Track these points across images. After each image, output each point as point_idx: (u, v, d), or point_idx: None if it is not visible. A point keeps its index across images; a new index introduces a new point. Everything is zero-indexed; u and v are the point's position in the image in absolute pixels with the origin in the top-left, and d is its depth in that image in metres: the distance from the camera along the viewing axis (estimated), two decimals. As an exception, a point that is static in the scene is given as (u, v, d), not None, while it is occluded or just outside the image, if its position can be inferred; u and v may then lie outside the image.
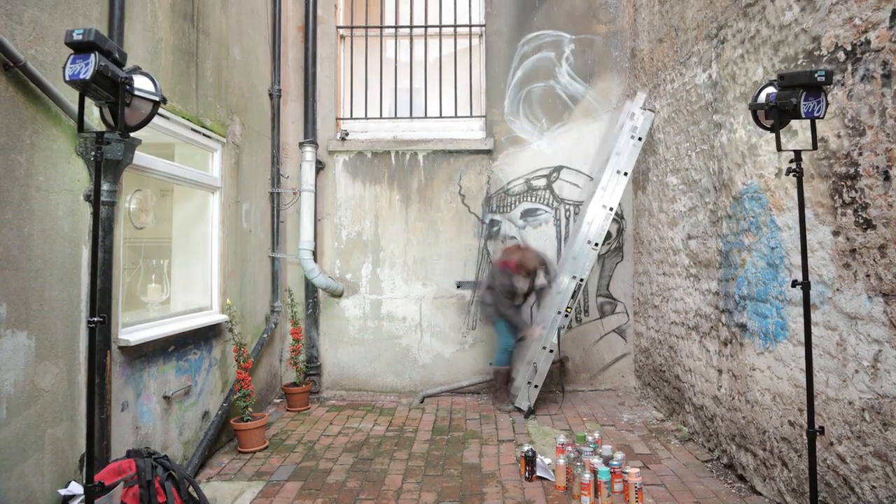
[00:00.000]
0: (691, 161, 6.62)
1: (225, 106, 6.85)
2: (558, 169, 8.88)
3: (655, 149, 7.72)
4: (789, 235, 4.77)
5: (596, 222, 7.85)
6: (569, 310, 7.68)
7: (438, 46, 9.31)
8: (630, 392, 8.66)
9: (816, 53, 4.35)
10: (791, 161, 4.01)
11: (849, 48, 4.01)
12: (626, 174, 7.94)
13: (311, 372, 8.67)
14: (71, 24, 4.32)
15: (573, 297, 7.69)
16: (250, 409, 6.49)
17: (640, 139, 8.01)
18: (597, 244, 7.78)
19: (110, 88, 3.42)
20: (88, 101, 3.46)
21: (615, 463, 5.38)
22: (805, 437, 4.15)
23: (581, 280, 7.71)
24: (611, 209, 7.84)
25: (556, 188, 8.89)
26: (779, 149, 4.05)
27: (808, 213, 4.42)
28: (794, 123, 4.50)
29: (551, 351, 7.69)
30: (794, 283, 4.08)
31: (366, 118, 9.30)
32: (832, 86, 4.08)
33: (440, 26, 9.26)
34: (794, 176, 4.00)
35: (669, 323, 7.31)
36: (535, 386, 7.73)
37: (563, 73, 8.93)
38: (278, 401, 8.45)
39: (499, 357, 8.07)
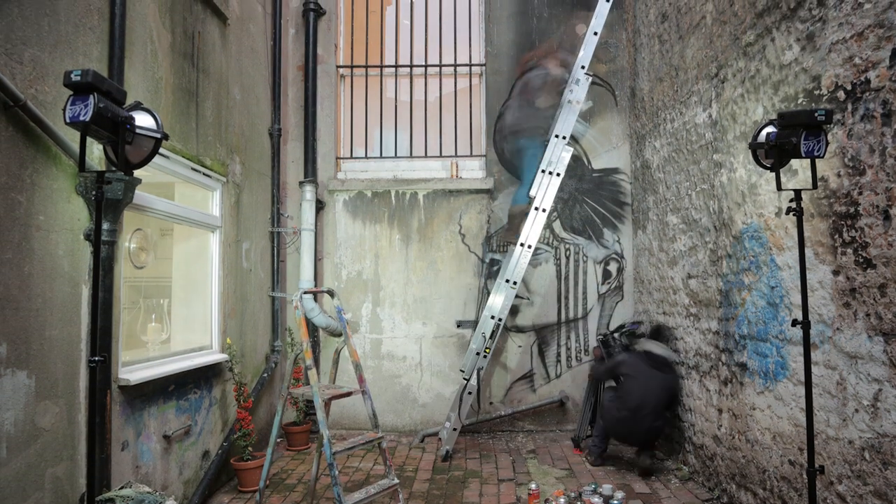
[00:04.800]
0: (691, 200, 6.63)
1: (225, 145, 6.88)
2: (558, 208, 8.89)
3: (655, 188, 7.74)
4: (789, 274, 4.77)
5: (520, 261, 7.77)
6: (487, 350, 7.62)
7: (438, 86, 9.39)
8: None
9: (816, 93, 4.38)
10: (791, 200, 4.03)
11: (849, 87, 4.04)
12: (564, 137, 7.93)
13: (311, 411, 8.62)
14: (71, 63, 4.34)
15: (492, 337, 7.64)
16: (250, 448, 6.44)
17: (578, 102, 8.00)
18: (507, 279, 7.71)
19: (111, 128, 3.44)
20: (88, 140, 3.47)
21: (615, 502, 5.35)
22: (805, 476, 4.12)
23: (500, 320, 7.66)
24: (529, 246, 7.74)
25: (555, 227, 8.90)
26: (779, 188, 4.07)
27: (808, 252, 4.43)
28: (795, 163, 4.52)
29: (469, 393, 7.62)
30: (795, 323, 4.08)
31: (366, 157, 9.35)
32: (832, 125, 4.11)
33: (440, 66, 9.34)
34: (794, 215, 4.02)
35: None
36: (455, 429, 7.65)
37: (562, 113, 8.99)
38: (279, 440, 8.39)
39: None
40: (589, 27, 8.14)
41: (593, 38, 8.10)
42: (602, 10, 8.13)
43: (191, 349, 6.40)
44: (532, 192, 7.80)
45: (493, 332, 7.60)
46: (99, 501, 4.14)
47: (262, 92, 8.23)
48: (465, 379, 7.67)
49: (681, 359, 6.92)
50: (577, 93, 8.00)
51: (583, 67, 8.03)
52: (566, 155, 7.83)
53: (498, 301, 7.69)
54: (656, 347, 6.87)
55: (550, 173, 7.80)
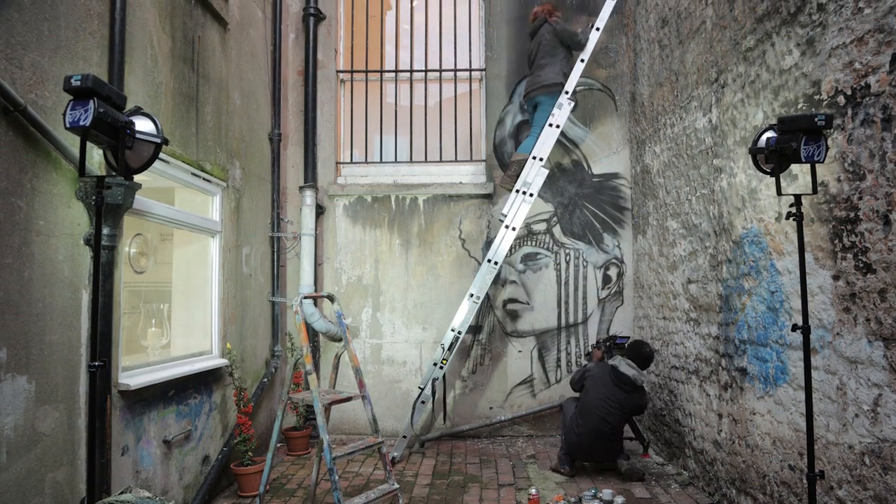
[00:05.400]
0: (691, 205, 6.63)
1: (225, 150, 6.88)
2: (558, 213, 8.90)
3: (655, 193, 7.74)
4: (789, 279, 4.77)
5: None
6: (444, 362, 7.60)
7: (438, 90, 9.40)
8: (630, 436, 8.60)
9: (816, 98, 4.38)
10: (791, 205, 4.03)
11: (849, 92, 4.04)
12: (541, 159, 7.89)
13: (311, 416, 8.60)
14: (71, 68, 4.34)
15: (450, 349, 7.63)
16: (251, 453, 6.44)
17: (557, 126, 7.95)
18: (472, 294, 7.72)
19: (111, 132, 3.44)
20: (88, 145, 3.47)
21: (616, 508, 5.35)
22: (805, 481, 4.12)
23: (459, 333, 7.67)
24: (496, 263, 7.77)
25: (555, 232, 8.90)
26: (779, 193, 4.07)
27: (808, 257, 4.42)
28: (794, 167, 4.51)
29: (423, 402, 7.68)
30: (795, 328, 4.08)
31: (366, 162, 9.37)
32: (832, 130, 4.10)
33: (440, 70, 9.35)
34: (794, 220, 4.02)
35: (669, 367, 7.28)
36: (404, 437, 7.70)
37: (562, 118, 8.99)
38: (279, 445, 8.37)
39: None
40: (577, 56, 8.18)
41: (580, 66, 8.09)
42: (589, 48, 8.17)
43: (191, 354, 6.39)
44: (504, 210, 7.81)
45: (451, 344, 7.59)
46: (98, 506, 4.14)
47: (262, 97, 8.24)
48: (419, 388, 7.70)
49: (682, 364, 6.91)
50: (559, 117, 7.95)
51: (566, 93, 8.01)
52: (540, 179, 7.79)
53: (460, 314, 7.71)
54: (625, 366, 6.80)
55: (524, 193, 7.77)
